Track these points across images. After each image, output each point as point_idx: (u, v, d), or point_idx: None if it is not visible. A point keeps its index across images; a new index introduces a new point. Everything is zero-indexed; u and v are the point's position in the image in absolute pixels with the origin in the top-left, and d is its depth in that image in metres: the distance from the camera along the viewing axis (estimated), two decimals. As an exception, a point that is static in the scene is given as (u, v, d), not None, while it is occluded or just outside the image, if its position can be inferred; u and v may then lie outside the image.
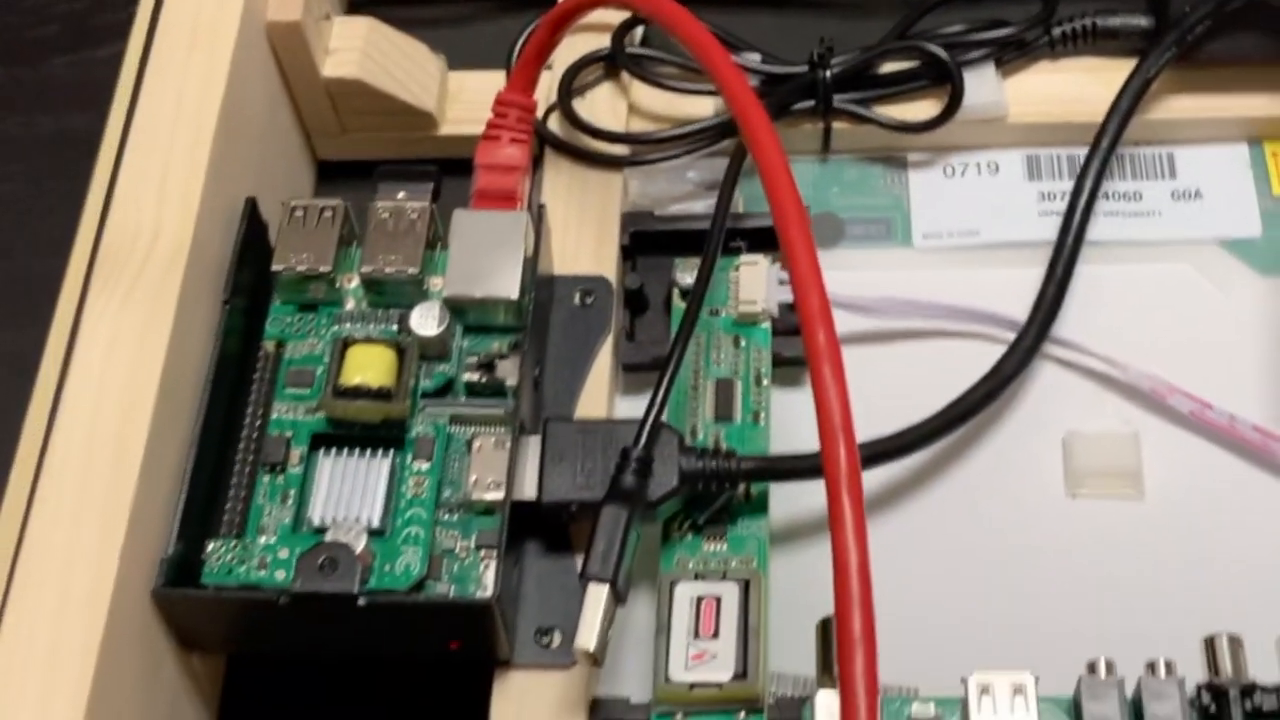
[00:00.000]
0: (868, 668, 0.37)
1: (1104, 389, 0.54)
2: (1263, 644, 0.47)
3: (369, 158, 0.57)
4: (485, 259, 0.51)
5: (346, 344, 0.49)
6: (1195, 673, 0.46)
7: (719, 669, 0.46)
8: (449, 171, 0.53)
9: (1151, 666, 0.45)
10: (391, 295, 0.51)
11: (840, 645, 0.38)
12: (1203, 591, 0.49)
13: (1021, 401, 0.54)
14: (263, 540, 0.47)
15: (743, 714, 0.46)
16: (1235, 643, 0.46)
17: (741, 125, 0.45)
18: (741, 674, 0.46)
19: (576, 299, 0.54)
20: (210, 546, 0.47)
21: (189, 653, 0.48)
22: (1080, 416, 0.54)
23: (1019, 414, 0.54)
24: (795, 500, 0.52)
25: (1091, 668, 0.46)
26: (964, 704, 0.45)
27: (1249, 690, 0.45)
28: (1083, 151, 0.57)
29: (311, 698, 0.50)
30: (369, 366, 0.48)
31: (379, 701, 0.50)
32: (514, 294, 0.50)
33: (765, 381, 0.52)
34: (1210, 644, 0.46)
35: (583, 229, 0.55)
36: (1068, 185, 0.57)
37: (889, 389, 0.52)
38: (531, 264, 0.50)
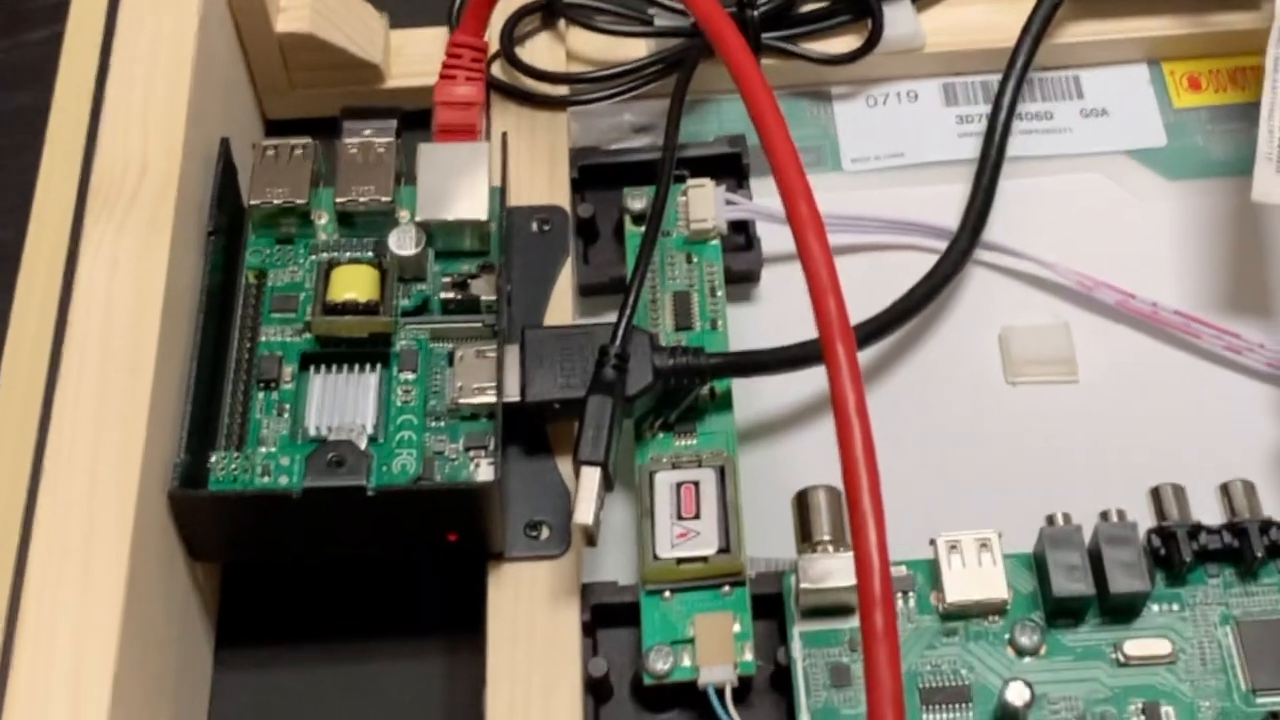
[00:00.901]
0: (877, 522, 0.40)
1: (1034, 288, 0.58)
2: (1199, 498, 0.51)
3: (316, 115, 0.59)
4: (452, 186, 0.53)
5: (331, 265, 0.51)
6: (1142, 527, 0.49)
7: (704, 544, 0.49)
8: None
9: (1105, 515, 0.49)
10: (364, 227, 0.54)
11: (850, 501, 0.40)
12: (1140, 459, 0.52)
13: (959, 303, 0.58)
14: (263, 450, 0.49)
15: (726, 587, 0.49)
16: (1179, 490, 0.50)
17: (716, 42, 0.48)
18: (725, 548, 0.48)
19: (535, 226, 0.57)
20: (214, 457, 0.49)
21: (194, 563, 0.49)
22: (1014, 313, 0.57)
23: (958, 314, 0.57)
24: (753, 403, 0.55)
25: (1050, 520, 0.49)
26: (934, 563, 0.48)
27: (1196, 531, 0.48)
28: (995, 78, 0.61)
29: (306, 608, 0.52)
30: (355, 284, 0.51)
31: (373, 606, 0.52)
32: (482, 215, 0.53)
33: (720, 292, 0.56)
34: (1156, 493, 0.50)
35: (535, 164, 0.58)
36: (983, 109, 0.61)
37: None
38: (498, 187, 0.53)
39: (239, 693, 0.51)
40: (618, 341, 0.50)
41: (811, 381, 0.55)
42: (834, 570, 0.48)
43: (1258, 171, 0.53)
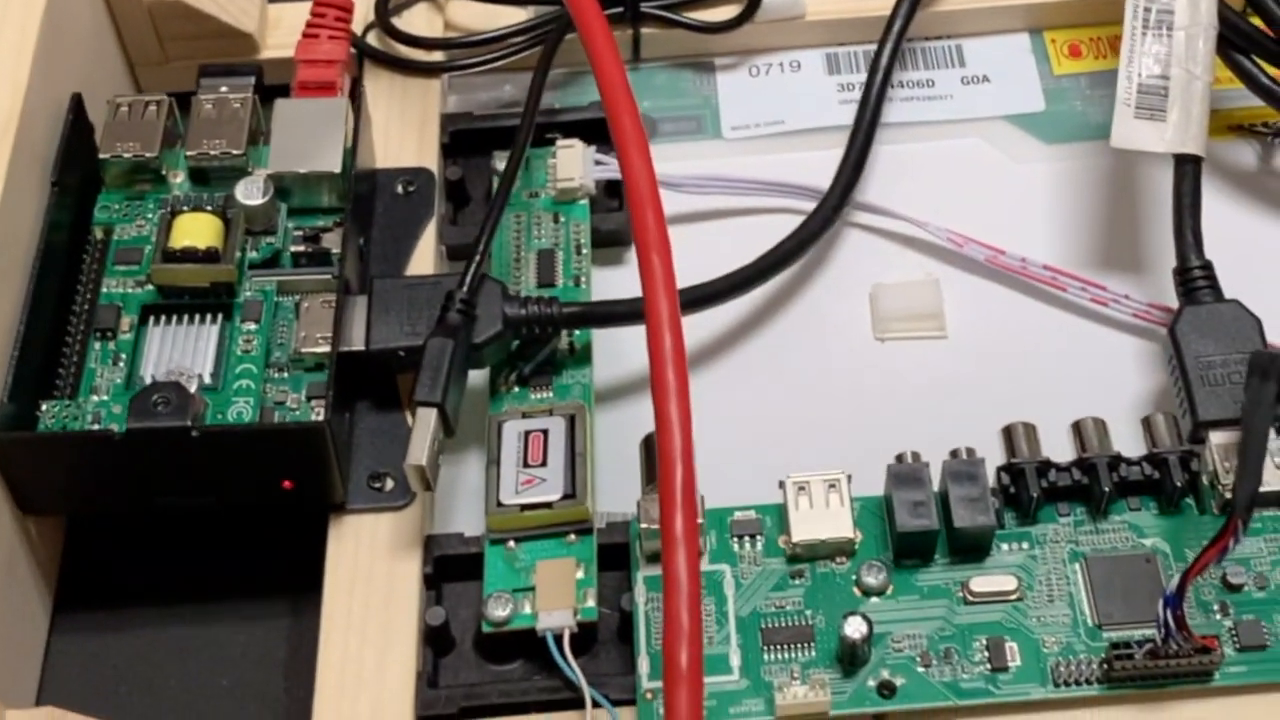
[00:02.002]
0: (686, 477, 0.39)
1: (907, 247, 0.57)
2: (1059, 444, 0.50)
3: (192, 90, 0.59)
4: (308, 140, 0.53)
5: (174, 213, 0.50)
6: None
7: (548, 490, 0.48)
8: (268, 98, 0.55)
9: (954, 453, 0.48)
10: (218, 184, 0.53)
11: (661, 453, 0.39)
12: (1006, 410, 0.51)
13: (832, 261, 0.57)
14: (95, 399, 0.48)
15: (572, 535, 0.48)
16: (1029, 429, 0.49)
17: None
18: (570, 494, 0.47)
19: (399, 188, 0.56)
20: (45, 406, 0.48)
21: (26, 517, 0.48)
22: (885, 271, 0.56)
23: (830, 272, 0.57)
24: (620, 361, 0.54)
25: (899, 459, 0.48)
26: (783, 506, 0.47)
27: (1045, 468, 0.47)
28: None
29: (148, 570, 0.51)
30: (196, 232, 0.50)
31: (218, 568, 0.51)
32: (336, 168, 0.52)
33: (585, 250, 0.55)
34: (1007, 432, 0.49)
35: (404, 130, 0.58)
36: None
37: (708, 265, 0.54)
38: (352, 142, 0.53)
39: (76, 656, 0.50)
40: (464, 287, 0.49)
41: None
42: (673, 510, 0.46)
43: (1117, 117, 0.52)
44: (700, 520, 0.47)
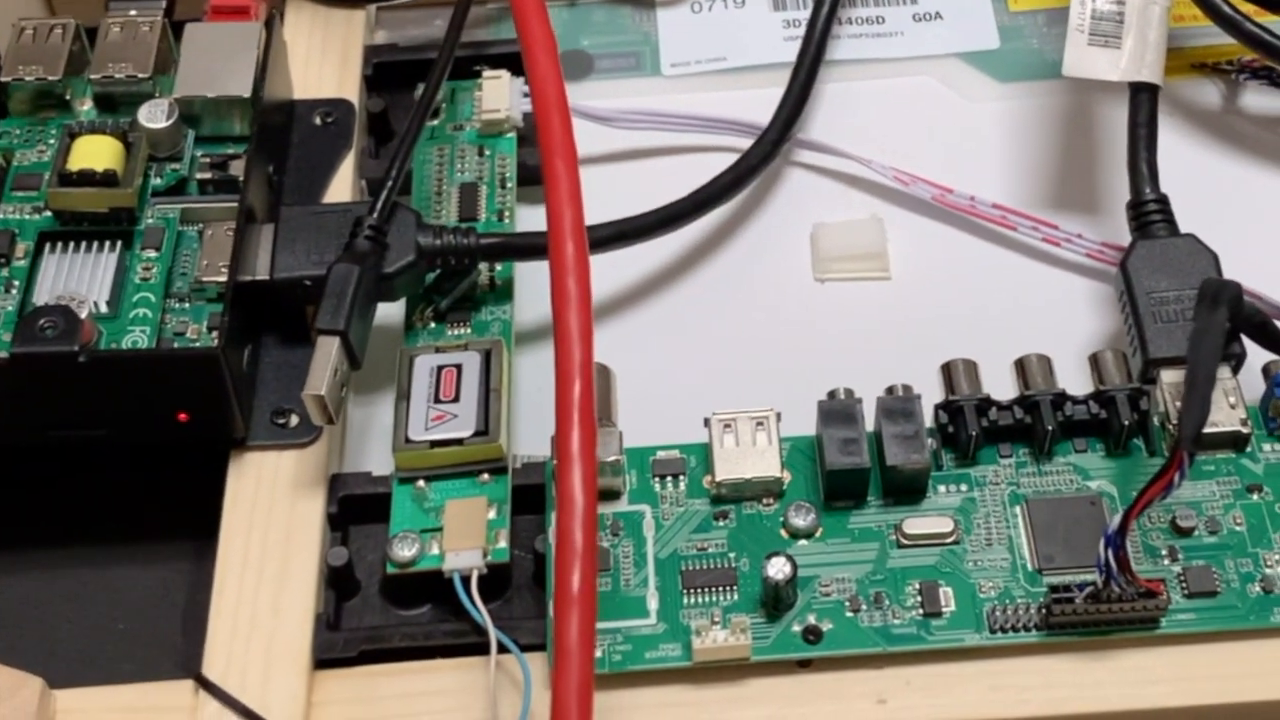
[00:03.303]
0: (584, 421, 0.36)
1: (851, 186, 0.55)
2: (1003, 385, 0.47)
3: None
4: (218, 64, 0.50)
5: (73, 135, 0.48)
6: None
7: (459, 427, 0.45)
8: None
9: (890, 389, 0.45)
10: (125, 111, 0.50)
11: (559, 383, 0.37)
12: (951, 351, 0.48)
13: (774, 200, 0.55)
14: (-15, 326, 0.46)
15: (486, 475, 0.45)
16: (970, 365, 0.46)
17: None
18: (483, 431, 0.45)
19: (317, 119, 0.54)
20: (-68, 332, 0.45)
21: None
22: (828, 210, 0.54)
23: (772, 211, 0.54)
24: (545, 301, 0.51)
25: (832, 395, 0.45)
26: (708, 445, 0.45)
27: (985, 406, 0.45)
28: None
29: (43, 513, 0.48)
30: (95, 154, 0.48)
31: (116, 511, 0.48)
32: (245, 92, 0.49)
33: (510, 184, 0.52)
34: (947, 369, 0.46)
35: (326, 61, 0.55)
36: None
37: (643, 203, 0.52)
38: (263, 67, 0.50)
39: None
40: (375, 213, 0.46)
41: (608, 274, 0.52)
42: (590, 446, 0.44)
43: (1069, 44, 0.50)
44: (619, 458, 0.44)
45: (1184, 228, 0.48)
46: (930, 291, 0.52)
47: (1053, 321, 0.50)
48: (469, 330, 0.48)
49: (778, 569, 0.42)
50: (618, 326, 0.51)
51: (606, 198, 0.51)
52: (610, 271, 0.51)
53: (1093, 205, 0.53)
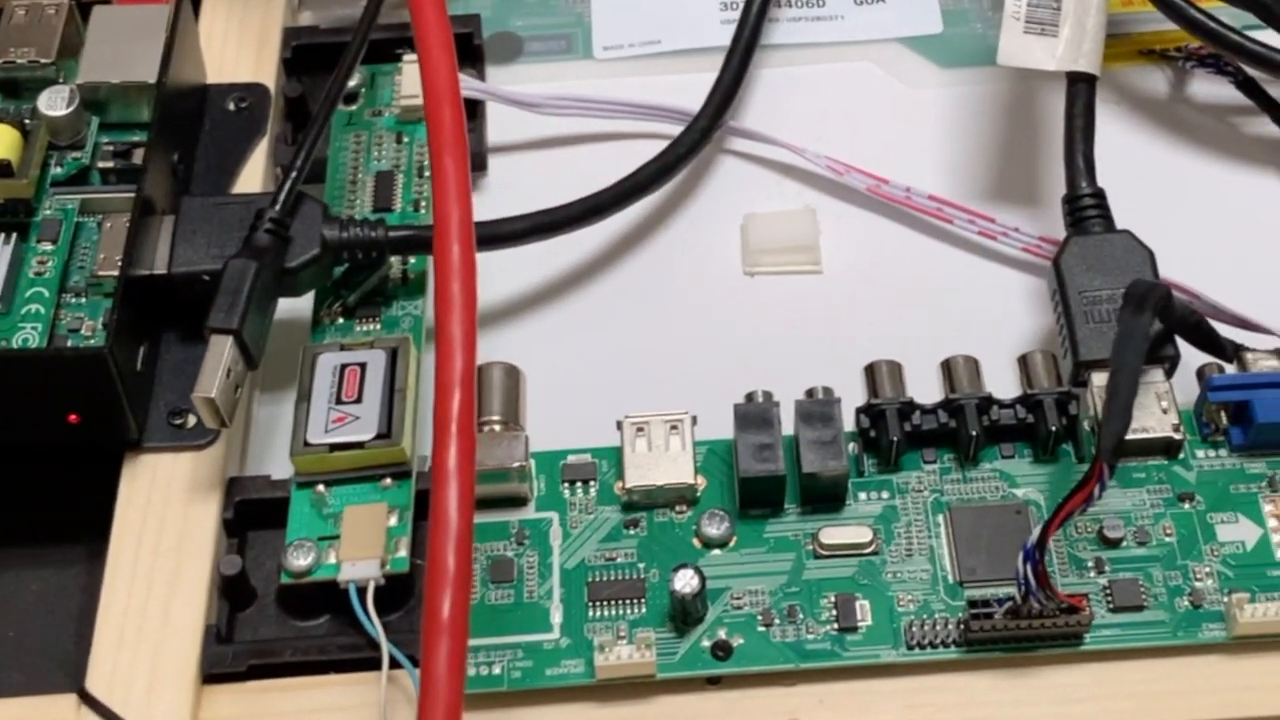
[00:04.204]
0: (464, 409, 0.34)
1: (784, 176, 0.53)
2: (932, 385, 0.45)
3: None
4: (124, 48, 0.49)
5: (-34, 124, 0.46)
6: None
7: (360, 429, 0.43)
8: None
9: (810, 392, 0.43)
10: (28, 96, 0.49)
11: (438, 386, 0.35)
12: (882, 349, 0.47)
13: (702, 190, 0.53)
14: None
15: (388, 479, 0.43)
16: (894, 366, 0.44)
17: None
18: (385, 434, 0.43)
19: (231, 105, 0.52)
20: None
21: None
22: (759, 201, 0.52)
23: (699, 201, 0.52)
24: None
25: (749, 398, 0.43)
26: (620, 450, 0.43)
27: (908, 410, 0.43)
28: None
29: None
30: (-11, 144, 0.45)
31: (9, 501, 0.46)
32: (152, 78, 0.47)
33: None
34: (870, 370, 0.44)
35: (242, 44, 0.53)
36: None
37: (570, 192, 0.50)
38: (168, 50, 0.48)
39: None
40: (277, 205, 0.44)
41: (524, 269, 0.50)
42: (495, 451, 0.42)
43: (1004, 32, 0.48)
44: (525, 463, 0.42)
45: (1127, 221, 0.46)
46: (862, 286, 0.50)
47: (988, 319, 0.48)
48: (379, 326, 0.47)
49: (684, 582, 0.40)
50: (533, 324, 0.49)
51: (532, 187, 0.50)
52: (527, 266, 0.49)
53: (1032, 198, 0.51)
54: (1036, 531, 0.38)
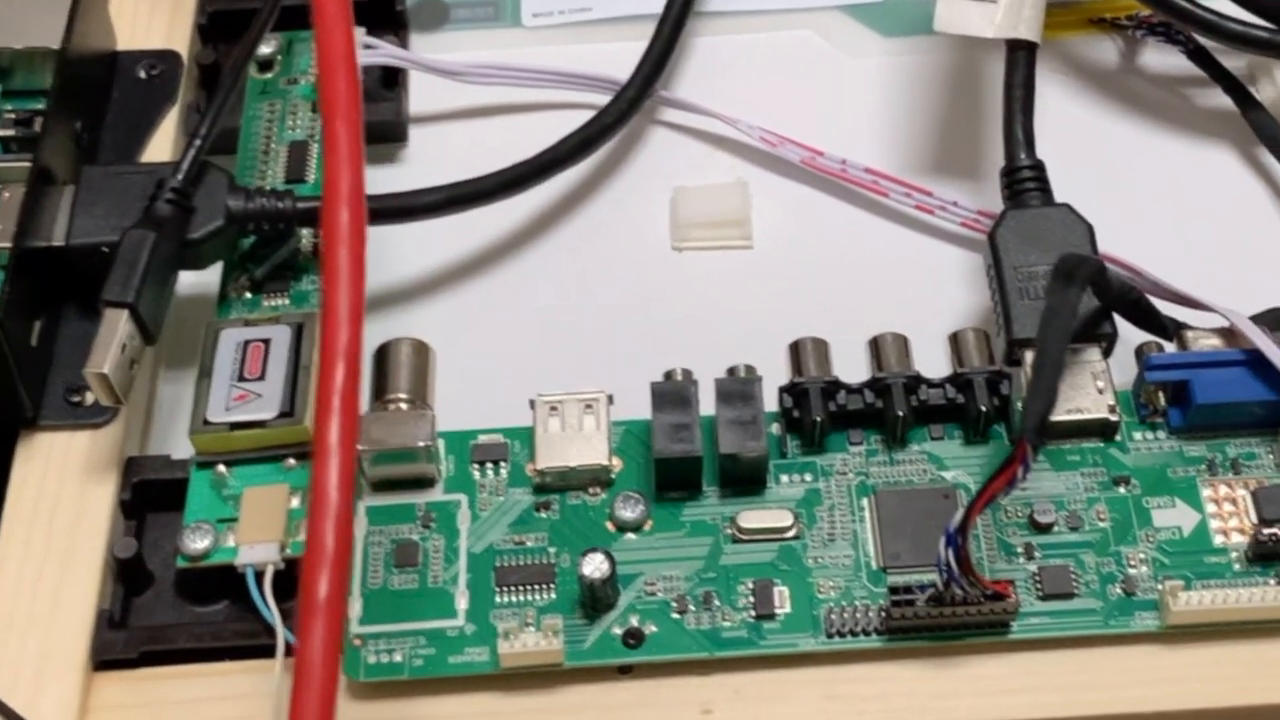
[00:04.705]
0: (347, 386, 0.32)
1: (716, 148, 0.51)
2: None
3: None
4: (28, 13, 0.47)
5: None
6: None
7: (262, 408, 0.41)
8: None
9: (732, 370, 0.41)
10: (-78, 66, 0.46)
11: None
12: (814, 327, 0.45)
13: (631, 162, 0.51)
14: None
15: (291, 460, 0.41)
16: (819, 344, 0.42)
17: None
18: (288, 413, 0.41)
19: (141, 72, 0.50)
20: None
21: None
22: (691, 174, 0.50)
23: (628, 174, 0.51)
24: (385, 269, 0.48)
25: (668, 376, 0.41)
26: (533, 429, 0.41)
27: (833, 389, 0.41)
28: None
29: None
30: (-121, 112, 0.43)
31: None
32: (54, 44, 0.45)
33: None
34: (795, 348, 0.42)
35: (156, 9, 0.52)
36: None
37: (495, 164, 0.48)
38: (72, 16, 0.46)
39: None
40: (179, 175, 0.42)
41: (441, 242, 0.48)
42: (399, 430, 0.40)
43: (941, -3, 0.45)
44: (430, 443, 0.40)
45: (1070, 195, 0.44)
46: (795, 262, 0.48)
47: (924, 296, 0.47)
48: (287, 301, 0.45)
49: (594, 567, 0.38)
50: (451, 300, 0.47)
51: (455, 159, 0.48)
52: (445, 240, 0.48)
53: (973, 171, 0.49)
54: (959, 515, 0.36)
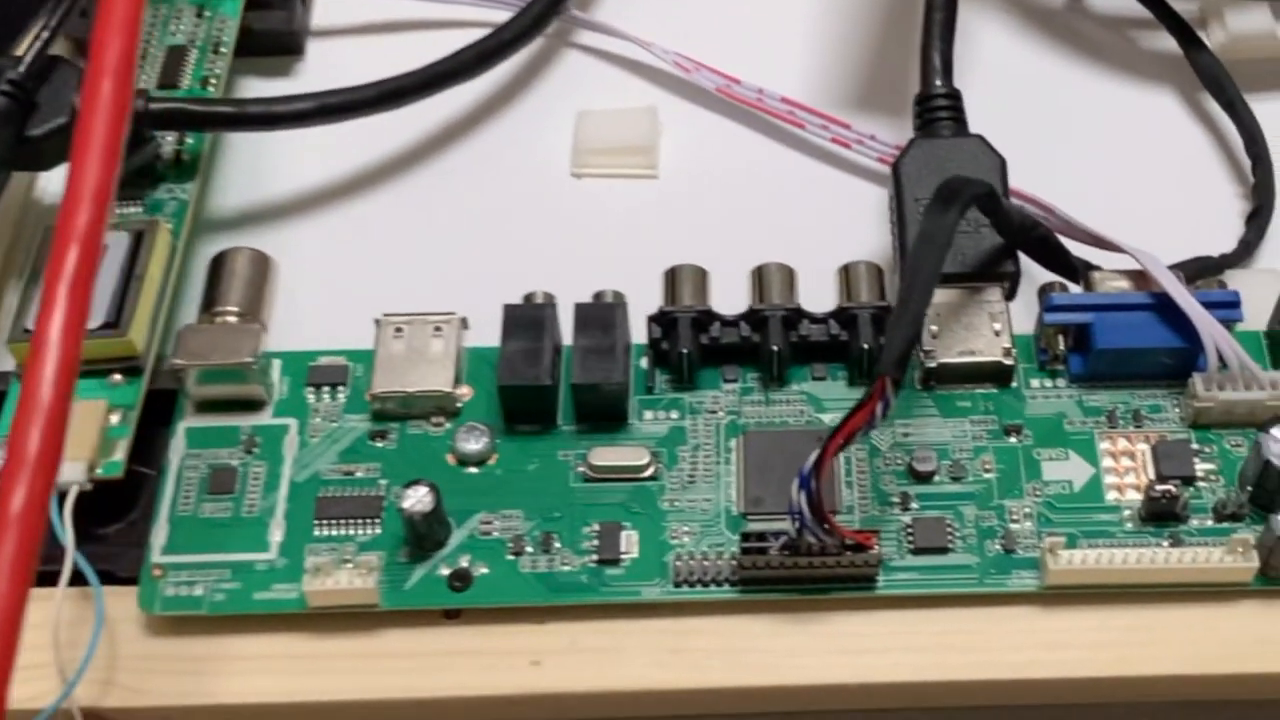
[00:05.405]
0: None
1: (629, 73, 0.48)
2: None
3: None
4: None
5: None
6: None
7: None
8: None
9: (599, 295, 0.38)
10: None
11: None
12: (715, 262, 0.41)
13: (536, 84, 0.47)
14: None
15: (117, 375, 0.38)
16: (698, 272, 0.38)
17: None
18: (113, 324, 0.37)
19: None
20: None
21: None
22: (600, 98, 0.46)
23: (532, 96, 0.47)
24: (265, 184, 0.45)
25: (527, 298, 0.38)
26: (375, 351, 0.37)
27: (706, 320, 0.37)
28: None
29: None
30: None
31: None
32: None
33: (225, 50, 0.45)
34: (671, 274, 0.39)
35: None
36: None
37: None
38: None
39: None
40: (20, 68, 0.39)
41: (318, 154, 0.45)
42: (222, 344, 0.36)
43: (860, -91, 0.42)
44: (253, 360, 0.37)
45: (1000, 131, 0.41)
46: (701, 194, 0.44)
47: (834, 232, 0.43)
48: (141, 209, 0.41)
49: (415, 500, 0.35)
50: (328, 217, 0.44)
51: (353, 75, 0.45)
52: (323, 151, 0.44)
53: (893, 105, 0.45)
54: (813, 455, 0.33)
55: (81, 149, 0.28)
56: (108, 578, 0.36)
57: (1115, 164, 0.44)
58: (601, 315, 0.37)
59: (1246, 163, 0.43)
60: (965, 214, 0.35)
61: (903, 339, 0.33)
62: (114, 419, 0.38)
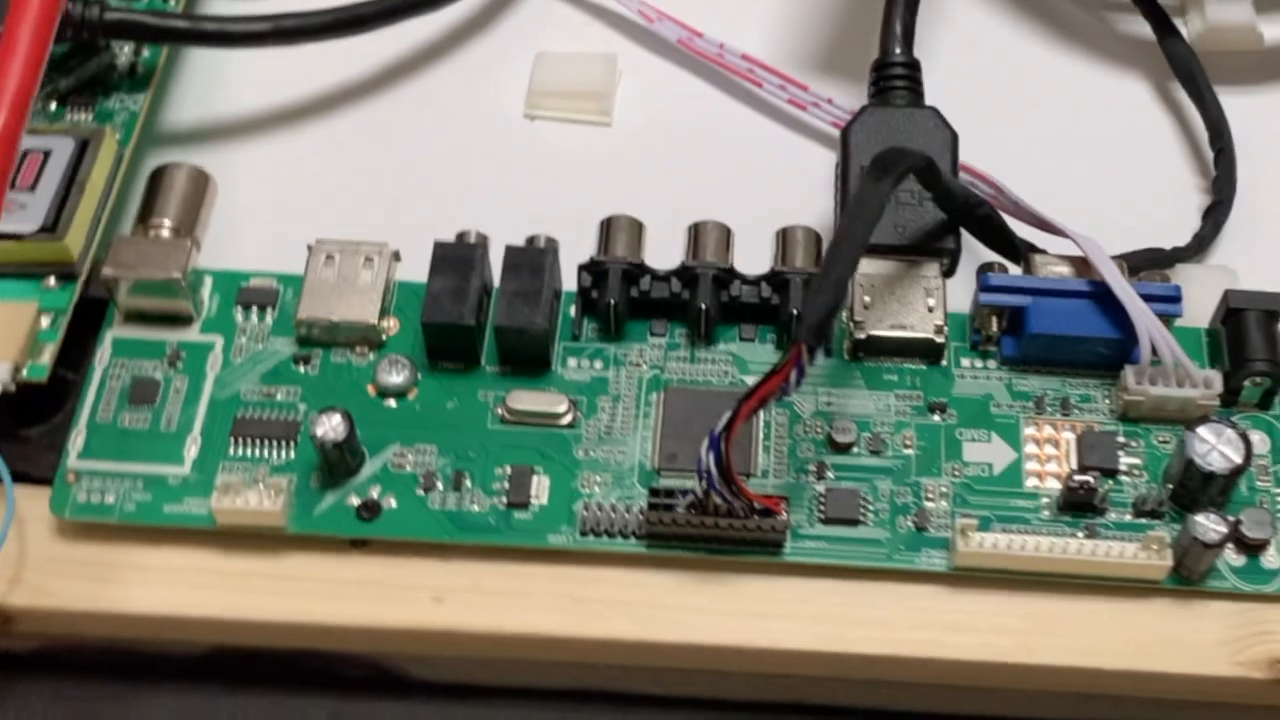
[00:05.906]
0: None
1: (592, 17, 0.47)
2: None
3: None
4: None
5: None
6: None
7: (24, 220, 0.38)
8: None
9: (531, 239, 0.38)
10: None
11: None
12: (654, 218, 0.41)
13: (499, 25, 0.47)
14: None
15: (52, 279, 0.37)
16: (634, 224, 0.38)
17: None
18: (50, 228, 0.37)
19: None
20: None
21: None
22: (561, 42, 0.46)
23: (493, 37, 0.47)
24: (233, 100, 0.45)
25: (460, 237, 0.38)
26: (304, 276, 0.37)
27: (637, 272, 0.37)
28: None
29: None
30: None
31: None
32: None
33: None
34: (606, 225, 0.38)
35: None
36: None
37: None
38: None
39: None
40: (-34, -35, 0.39)
41: (272, 78, 0.45)
42: (151, 257, 0.36)
43: None
44: (181, 275, 0.37)
45: (960, 106, 0.41)
46: (652, 145, 0.44)
47: (781, 194, 0.43)
48: (90, 117, 0.41)
49: (327, 428, 0.34)
50: (275, 138, 0.44)
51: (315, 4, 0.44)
52: (279, 75, 0.44)
53: (853, 70, 0.45)
54: (725, 417, 0.32)
55: (5, 53, 0.28)
56: (23, 478, 0.36)
57: (1076, 148, 0.44)
58: (531, 259, 0.37)
59: (1210, 155, 0.43)
60: (900, 185, 0.35)
61: (822, 306, 0.33)
62: (44, 323, 0.37)
